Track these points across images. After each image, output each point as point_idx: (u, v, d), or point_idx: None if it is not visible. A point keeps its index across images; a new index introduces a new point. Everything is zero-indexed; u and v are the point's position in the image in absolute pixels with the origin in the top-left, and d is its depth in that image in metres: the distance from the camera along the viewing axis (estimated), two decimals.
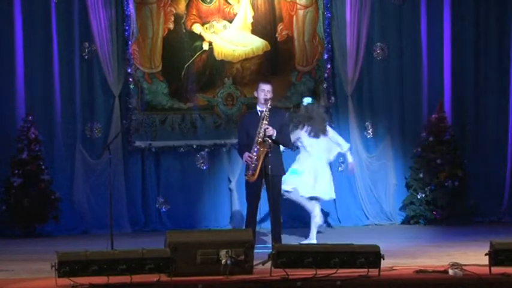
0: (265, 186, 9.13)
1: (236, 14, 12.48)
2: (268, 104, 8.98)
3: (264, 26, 12.55)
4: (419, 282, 7.11)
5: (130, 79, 12.24)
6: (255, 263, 7.48)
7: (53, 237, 11.47)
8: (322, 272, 7.09)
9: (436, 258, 8.52)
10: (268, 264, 7.31)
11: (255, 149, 8.89)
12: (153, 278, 6.99)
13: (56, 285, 6.84)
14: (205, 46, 12.41)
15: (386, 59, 12.73)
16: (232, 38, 12.48)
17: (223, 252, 7.20)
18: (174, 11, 12.36)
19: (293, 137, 10.04)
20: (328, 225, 12.04)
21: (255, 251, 7.45)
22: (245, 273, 7.22)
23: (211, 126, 12.43)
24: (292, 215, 12.01)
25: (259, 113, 9.07)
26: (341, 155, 12.50)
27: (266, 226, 9.97)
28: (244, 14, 12.49)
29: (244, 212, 9.46)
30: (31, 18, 12.06)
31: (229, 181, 12.35)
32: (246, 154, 8.95)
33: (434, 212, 12.19)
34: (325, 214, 11.53)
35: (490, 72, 12.85)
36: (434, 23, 12.76)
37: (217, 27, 12.44)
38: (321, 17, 12.61)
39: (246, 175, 9.03)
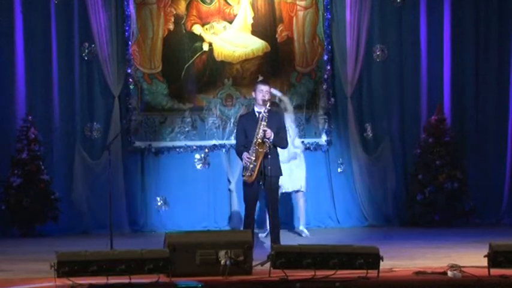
0: (263, 187, 9.13)
1: (236, 15, 12.49)
2: (267, 105, 8.99)
3: (264, 27, 12.56)
4: (418, 283, 7.12)
5: (130, 79, 12.25)
6: (254, 263, 7.49)
7: (52, 237, 11.47)
8: (321, 273, 7.10)
9: (435, 259, 8.52)
10: (267, 265, 7.33)
11: (253, 150, 8.89)
12: (152, 278, 7.00)
13: (55, 286, 6.84)
14: (205, 47, 12.42)
15: (386, 60, 12.73)
16: (232, 38, 12.49)
17: (222, 253, 7.21)
18: (174, 12, 12.37)
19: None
20: None
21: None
22: (244, 274, 7.24)
23: (211, 127, 12.43)
24: (292, 215, 12.05)
25: (257, 114, 9.07)
26: (340, 157, 12.58)
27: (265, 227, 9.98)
28: (244, 15, 12.50)
29: (243, 213, 9.47)
30: (31, 18, 12.07)
31: (229, 182, 12.36)
32: (245, 154, 8.95)
33: (433, 214, 12.19)
34: None
35: (490, 73, 12.85)
36: (434, 24, 12.76)
37: (217, 28, 12.45)
38: (321, 18, 12.62)
39: (243, 175, 9.04)
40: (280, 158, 10.69)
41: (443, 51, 12.75)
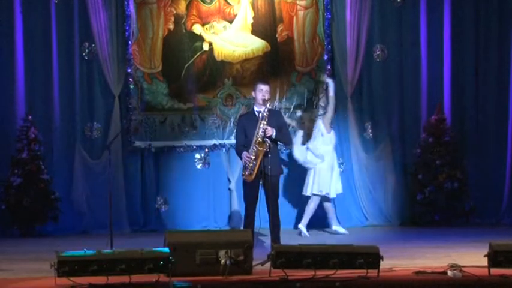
0: (263, 186, 9.13)
1: (236, 14, 12.49)
2: (268, 104, 9.00)
3: (264, 27, 12.56)
4: (418, 283, 7.12)
5: (130, 79, 12.25)
6: (254, 263, 7.49)
7: (52, 237, 11.48)
8: (321, 273, 7.10)
9: (435, 259, 8.53)
10: (268, 265, 7.33)
11: (253, 149, 8.90)
12: (152, 278, 7.00)
13: (55, 285, 6.85)
14: (206, 46, 12.43)
15: (386, 60, 12.73)
16: (232, 38, 12.49)
17: (222, 253, 7.21)
18: (175, 12, 12.38)
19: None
20: None
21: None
22: (244, 274, 7.24)
23: (211, 127, 12.44)
24: (292, 215, 12.06)
25: (256, 113, 9.08)
26: (340, 156, 12.57)
27: (265, 226, 9.97)
28: (245, 15, 12.50)
29: (243, 213, 9.47)
30: (31, 18, 12.07)
31: (229, 181, 12.36)
32: (245, 154, 8.96)
33: (433, 213, 12.19)
34: None
35: (490, 73, 12.85)
36: (434, 24, 12.76)
37: (217, 28, 12.45)
38: (321, 18, 12.62)
39: (243, 175, 9.04)
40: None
41: (443, 51, 12.75)
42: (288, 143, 9.58)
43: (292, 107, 12.51)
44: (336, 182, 11.60)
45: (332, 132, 11.66)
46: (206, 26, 12.43)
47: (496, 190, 12.69)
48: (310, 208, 11.44)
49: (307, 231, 11.33)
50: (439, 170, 12.18)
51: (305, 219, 11.41)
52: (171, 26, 12.38)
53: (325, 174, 11.39)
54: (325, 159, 11.43)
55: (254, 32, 12.54)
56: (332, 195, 11.52)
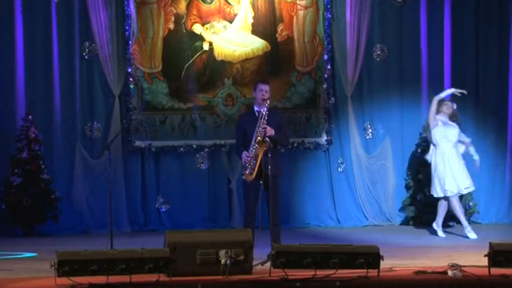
0: (263, 186, 9.12)
1: (236, 14, 12.49)
2: (267, 104, 8.99)
3: (264, 27, 12.57)
4: (419, 283, 7.12)
5: (131, 79, 12.26)
6: (254, 263, 7.49)
7: (52, 237, 11.48)
8: (322, 273, 7.10)
9: (436, 259, 8.53)
10: (268, 265, 7.33)
11: (252, 148, 8.89)
12: (152, 277, 7.00)
13: (55, 285, 6.84)
14: (206, 46, 12.43)
15: (386, 60, 12.73)
16: (232, 38, 12.50)
17: (222, 252, 7.21)
18: (175, 11, 12.38)
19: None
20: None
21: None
22: (244, 274, 7.23)
23: (211, 127, 12.44)
24: (291, 214, 12.07)
25: (256, 113, 9.07)
26: (340, 156, 12.55)
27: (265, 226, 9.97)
28: (245, 15, 12.50)
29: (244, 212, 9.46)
30: (31, 18, 12.08)
31: (229, 181, 12.36)
32: (244, 153, 8.95)
33: (433, 213, 12.17)
34: None
35: (490, 73, 12.85)
36: (435, 24, 12.77)
37: (217, 28, 12.45)
38: (321, 17, 12.63)
39: (243, 174, 9.04)
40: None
41: (443, 51, 12.75)
42: (286, 144, 9.51)
43: (292, 107, 12.52)
44: (459, 179, 11.07)
45: (441, 127, 11.05)
46: (206, 26, 12.44)
47: (496, 190, 12.69)
48: (439, 208, 11.20)
49: (443, 231, 11.17)
50: None
51: (438, 219, 11.19)
52: (171, 26, 12.38)
53: (437, 176, 11.09)
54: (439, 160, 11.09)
55: (254, 31, 12.55)
56: (448, 193, 11.05)
